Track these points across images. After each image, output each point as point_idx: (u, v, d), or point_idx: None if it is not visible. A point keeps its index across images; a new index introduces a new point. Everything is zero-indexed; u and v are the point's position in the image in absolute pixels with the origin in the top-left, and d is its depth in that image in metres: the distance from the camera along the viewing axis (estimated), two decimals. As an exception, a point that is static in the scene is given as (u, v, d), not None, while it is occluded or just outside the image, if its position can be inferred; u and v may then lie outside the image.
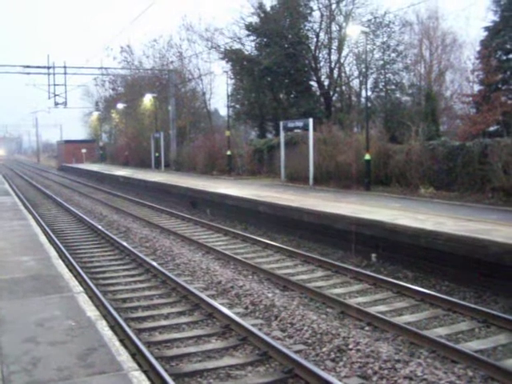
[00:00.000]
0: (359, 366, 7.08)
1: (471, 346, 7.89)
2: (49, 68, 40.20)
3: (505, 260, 10.09)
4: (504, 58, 30.11)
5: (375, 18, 35.55)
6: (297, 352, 7.57)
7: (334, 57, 37.66)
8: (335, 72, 37.86)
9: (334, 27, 37.17)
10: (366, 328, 8.70)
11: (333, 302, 9.95)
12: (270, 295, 10.16)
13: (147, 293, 10.97)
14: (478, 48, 31.27)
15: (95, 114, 71.37)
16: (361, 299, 10.33)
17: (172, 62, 47.98)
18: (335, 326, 8.39)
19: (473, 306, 9.48)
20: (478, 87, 30.23)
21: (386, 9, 35.88)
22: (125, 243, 15.33)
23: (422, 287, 10.78)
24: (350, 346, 7.60)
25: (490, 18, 30.70)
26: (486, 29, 30.59)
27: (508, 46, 29.87)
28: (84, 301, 7.42)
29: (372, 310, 9.45)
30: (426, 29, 37.62)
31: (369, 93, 35.13)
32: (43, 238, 12.84)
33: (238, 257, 13.68)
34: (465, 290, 10.71)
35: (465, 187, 18.89)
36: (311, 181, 24.64)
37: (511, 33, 28.99)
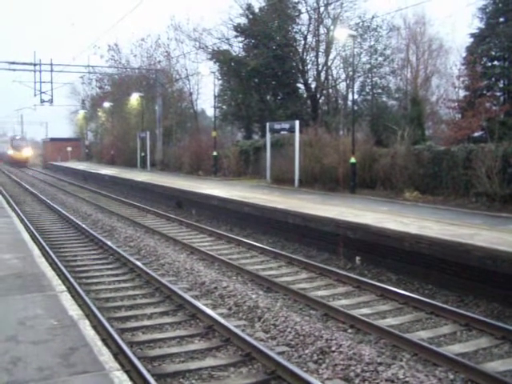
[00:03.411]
0: (342, 369, 7.10)
1: (453, 349, 7.95)
2: (35, 65, 39.95)
3: (487, 264, 10.18)
4: (489, 64, 30.44)
5: (363, 21, 35.70)
6: (280, 353, 7.58)
7: (321, 59, 37.80)
8: (322, 75, 37.97)
9: (322, 30, 37.32)
10: (349, 330, 8.73)
11: (316, 304, 9.97)
12: (253, 296, 10.16)
13: (131, 292, 10.92)
14: (463, 54, 31.60)
15: (81, 113, 70.92)
16: (344, 301, 10.36)
17: (159, 61, 47.84)
18: (318, 328, 8.40)
19: (455, 309, 9.56)
20: (464, 93, 30.50)
21: (374, 13, 35.93)
22: (109, 242, 15.26)
23: (406, 290, 10.85)
24: (333, 348, 7.62)
25: (476, 24, 31.06)
26: (472, 35, 30.91)
27: (493, 53, 30.20)
28: (67, 300, 7.38)
29: (355, 312, 9.48)
30: (413, 34, 37.90)
31: (355, 96, 35.25)
32: (26, 236, 12.75)
33: (223, 258, 13.67)
34: (447, 294, 10.79)
35: (449, 192, 19.03)
36: (297, 183, 24.69)
37: (496, 40, 29.30)
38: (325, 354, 7.54)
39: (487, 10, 30.39)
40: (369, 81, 38.11)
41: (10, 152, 70.51)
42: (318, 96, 37.96)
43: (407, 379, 6.67)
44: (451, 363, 7.25)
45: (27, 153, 71.10)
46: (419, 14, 37.63)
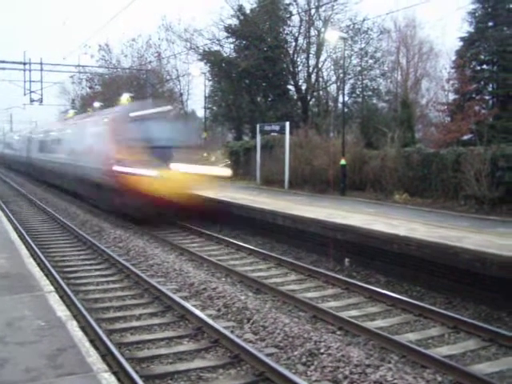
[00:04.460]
0: (330, 371, 7.10)
1: (441, 351, 7.98)
2: (25, 64, 39.69)
3: (475, 267, 10.24)
4: (478, 68, 30.70)
5: (354, 24, 35.89)
6: (268, 355, 7.57)
7: (312, 61, 37.89)
8: (313, 77, 38.06)
9: (313, 32, 37.42)
10: (338, 332, 8.74)
11: (305, 305, 9.98)
12: (242, 298, 10.14)
13: (119, 293, 10.88)
14: (453, 57, 31.83)
15: (71, 112, 70.54)
16: (333, 303, 10.37)
17: (150, 61, 47.77)
18: (307, 330, 8.40)
19: (443, 311, 9.59)
20: (453, 96, 30.72)
21: (365, 15, 36.15)
22: (98, 243, 15.18)
23: (394, 292, 10.87)
24: (322, 350, 7.63)
25: (466, 28, 31.35)
26: (462, 39, 31.15)
27: (482, 57, 30.46)
28: (55, 300, 7.34)
29: (344, 314, 9.50)
30: (403, 36, 38.11)
31: (346, 98, 35.41)
32: (14, 236, 12.67)
33: (212, 259, 13.65)
34: (436, 296, 10.83)
35: (438, 194, 19.12)
36: (286, 184, 24.71)
37: (485, 44, 29.54)
38: (313, 356, 7.54)
39: (476, 14, 30.65)
40: (359, 83, 38.31)
41: (136, 171, 17.16)
42: (309, 98, 38.04)
43: (395, 381, 6.68)
44: (439, 365, 7.28)
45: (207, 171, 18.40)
46: (410, 17, 37.88)
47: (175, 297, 10.02)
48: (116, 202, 18.91)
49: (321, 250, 14.26)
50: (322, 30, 36.17)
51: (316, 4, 36.31)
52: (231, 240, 16.13)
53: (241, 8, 37.24)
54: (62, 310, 6.90)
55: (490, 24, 30.01)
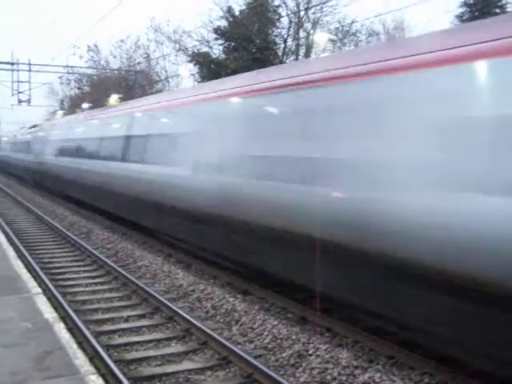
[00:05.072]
0: (318, 372, 7.10)
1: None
2: (12, 64, 39.52)
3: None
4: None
5: (342, 26, 36.01)
6: (257, 357, 7.56)
7: (301, 63, 37.96)
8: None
9: (302, 34, 37.55)
10: (326, 334, 8.73)
11: (294, 307, 9.95)
12: (231, 299, 10.13)
13: (107, 295, 10.83)
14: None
15: (60, 113, 70.25)
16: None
17: (139, 63, 47.71)
18: (295, 332, 8.40)
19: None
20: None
21: (354, 18, 36.32)
22: (86, 244, 15.12)
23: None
24: (310, 352, 7.63)
25: (454, 31, 31.47)
26: (450, 42, 31.31)
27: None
28: (42, 302, 7.31)
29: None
30: (391, 39, 38.26)
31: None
32: (2, 238, 12.59)
33: (200, 260, 13.60)
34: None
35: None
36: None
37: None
38: (302, 358, 7.53)
39: (464, 18, 30.89)
40: (348, 85, 38.35)
41: None
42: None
43: (383, 383, 6.69)
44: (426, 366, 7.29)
45: None
46: (398, 19, 38.14)
47: (163, 298, 9.98)
48: None
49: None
50: (311, 31, 36.31)
51: (305, 6, 36.45)
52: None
53: (230, 10, 37.27)
54: (49, 312, 6.87)
55: (478, 27, 30.24)
